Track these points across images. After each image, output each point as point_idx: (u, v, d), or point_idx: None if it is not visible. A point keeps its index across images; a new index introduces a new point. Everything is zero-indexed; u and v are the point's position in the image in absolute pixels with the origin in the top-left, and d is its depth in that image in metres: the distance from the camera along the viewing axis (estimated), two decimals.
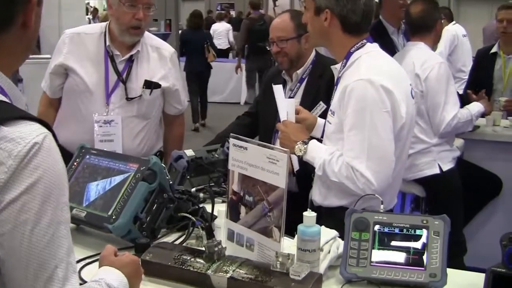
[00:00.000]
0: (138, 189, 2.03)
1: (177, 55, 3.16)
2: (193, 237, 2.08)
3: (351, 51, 2.27)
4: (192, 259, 1.79)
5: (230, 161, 1.95)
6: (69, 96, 2.99)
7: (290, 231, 2.98)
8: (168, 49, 3.10)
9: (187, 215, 1.97)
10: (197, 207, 2.20)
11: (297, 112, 2.57)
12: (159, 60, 3.02)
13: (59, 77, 2.98)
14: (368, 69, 2.18)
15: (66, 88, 2.98)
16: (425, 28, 3.60)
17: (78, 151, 2.30)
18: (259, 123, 3.37)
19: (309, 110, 3.09)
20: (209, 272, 1.73)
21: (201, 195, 2.46)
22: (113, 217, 1.99)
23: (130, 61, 2.94)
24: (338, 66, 2.34)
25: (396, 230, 1.78)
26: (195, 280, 1.75)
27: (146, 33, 3.04)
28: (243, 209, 1.91)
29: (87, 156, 2.25)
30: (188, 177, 2.57)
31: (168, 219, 2.15)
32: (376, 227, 1.79)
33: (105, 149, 2.29)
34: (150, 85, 2.93)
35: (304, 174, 2.75)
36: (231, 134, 1.95)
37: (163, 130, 3.24)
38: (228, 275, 1.71)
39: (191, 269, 1.75)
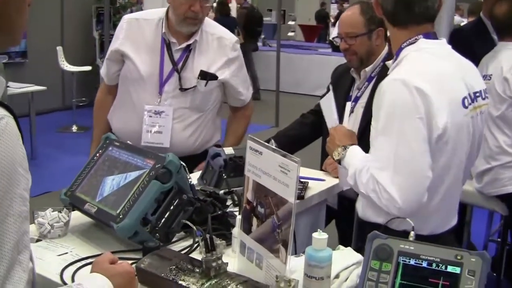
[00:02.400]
0: (149, 188, 1.86)
1: (238, 43, 2.96)
2: None
3: (402, 46, 1.99)
4: (188, 272, 1.60)
5: (246, 166, 1.74)
6: (123, 83, 2.89)
7: (343, 240, 2.73)
8: (230, 37, 2.91)
9: (188, 222, 1.78)
10: (219, 212, 2.01)
11: None
12: (218, 49, 2.84)
13: (116, 64, 2.88)
14: (407, 69, 1.89)
15: (121, 74, 2.88)
16: None
17: (103, 142, 2.17)
18: (323, 122, 3.13)
19: None
20: None
21: (236, 198, 2.27)
22: (120, 217, 1.84)
23: (187, 50, 2.80)
24: (390, 63, 2.07)
25: (424, 264, 1.49)
26: None
27: (208, 21, 2.88)
28: (255, 221, 1.69)
29: (110, 148, 2.11)
30: (225, 176, 2.38)
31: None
32: (401, 258, 1.51)
33: (128, 142, 2.13)
34: (205, 76, 2.76)
35: None
36: (249, 136, 1.73)
37: (220, 123, 3.07)
38: None
39: (183, 283, 1.56)
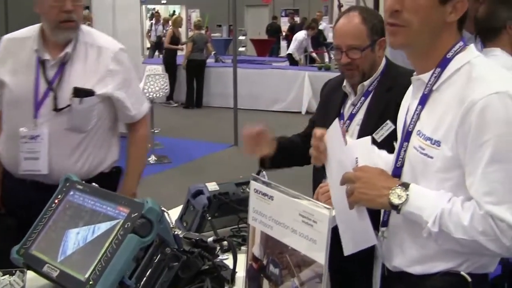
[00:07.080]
0: (125, 244, 1.48)
1: (124, 52, 2.61)
2: None
3: (447, 56, 1.65)
4: None
5: (250, 213, 1.38)
6: (4, 109, 2.56)
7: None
8: (111, 47, 2.56)
9: None
10: (208, 264, 1.64)
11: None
12: (97, 60, 2.50)
13: None
14: (500, 79, 1.57)
15: (2, 101, 2.55)
16: (491, 31, 2.91)
17: (62, 185, 1.77)
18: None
19: (373, 130, 2.49)
20: None
21: (225, 243, 1.91)
22: (90, 283, 1.45)
23: (62, 64, 2.46)
24: (424, 76, 1.72)
25: None
26: None
27: (87, 29, 2.56)
28: (266, 284, 1.33)
29: (71, 192, 1.72)
30: (209, 217, 2.01)
31: (173, 281, 1.60)
32: None
33: (93, 184, 1.74)
34: (79, 92, 2.42)
35: None
36: (252, 174, 1.37)
37: (117, 140, 2.70)
38: None
39: None
